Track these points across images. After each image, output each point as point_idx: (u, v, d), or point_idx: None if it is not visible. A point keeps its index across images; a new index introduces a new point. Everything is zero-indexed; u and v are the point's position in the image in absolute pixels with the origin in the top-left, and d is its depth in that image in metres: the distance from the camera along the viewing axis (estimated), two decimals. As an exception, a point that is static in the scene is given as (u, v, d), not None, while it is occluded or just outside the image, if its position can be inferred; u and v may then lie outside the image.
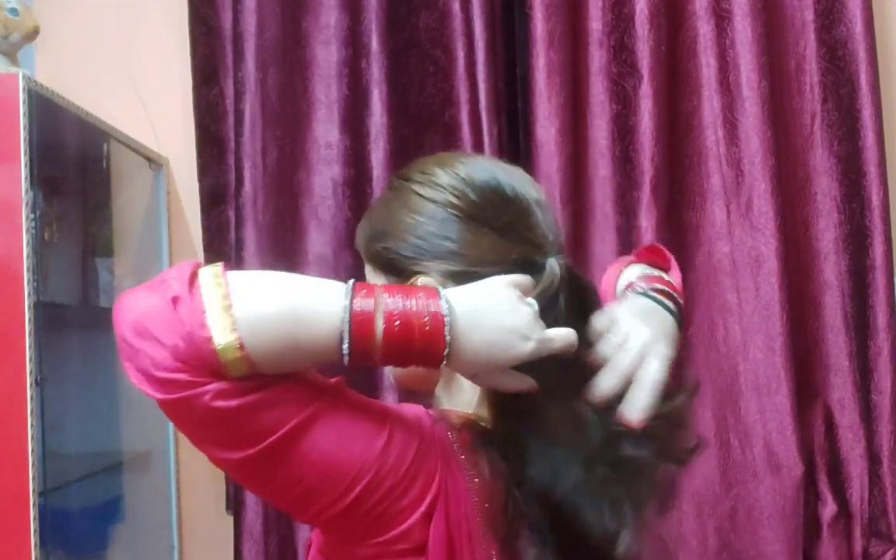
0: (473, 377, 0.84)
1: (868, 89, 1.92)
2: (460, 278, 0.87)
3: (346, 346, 0.76)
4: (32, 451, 1.51)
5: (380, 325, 0.76)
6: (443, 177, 0.93)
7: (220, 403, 0.74)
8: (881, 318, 1.92)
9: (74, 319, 2.00)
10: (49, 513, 1.54)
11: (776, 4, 1.98)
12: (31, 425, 1.52)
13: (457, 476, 0.83)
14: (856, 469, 1.94)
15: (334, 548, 0.85)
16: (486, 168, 0.95)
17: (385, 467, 0.79)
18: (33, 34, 1.75)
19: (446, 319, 0.78)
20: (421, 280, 0.88)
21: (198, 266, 0.78)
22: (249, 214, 2.00)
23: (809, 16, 1.96)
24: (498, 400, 0.87)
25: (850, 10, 1.93)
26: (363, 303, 0.77)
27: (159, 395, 0.75)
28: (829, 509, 1.93)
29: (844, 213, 1.96)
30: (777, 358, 1.90)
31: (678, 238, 1.98)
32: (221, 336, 0.73)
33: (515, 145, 2.06)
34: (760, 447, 1.92)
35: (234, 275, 0.77)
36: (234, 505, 1.99)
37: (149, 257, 2.15)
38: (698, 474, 1.95)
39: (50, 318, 1.64)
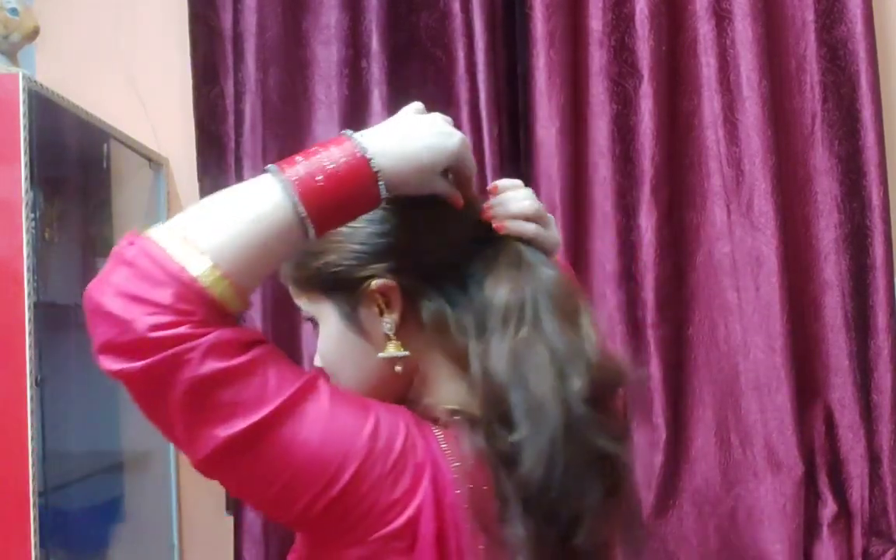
0: (414, 186, 0.83)
1: (868, 89, 1.92)
2: (411, 272, 0.86)
3: (302, 211, 0.75)
4: (32, 451, 1.51)
5: (319, 179, 0.76)
6: None
7: (212, 364, 0.71)
8: (881, 318, 1.92)
9: (74, 319, 2.00)
10: (49, 513, 1.54)
11: (776, 4, 1.98)
12: (31, 425, 1.51)
13: (442, 466, 0.81)
14: (856, 469, 1.94)
15: (321, 554, 0.82)
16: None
17: (374, 454, 0.77)
18: (33, 34, 1.75)
19: (359, 144, 0.78)
20: (374, 283, 0.85)
21: (136, 232, 0.76)
22: (249, 214, 1.99)
23: (810, 16, 1.96)
24: (485, 386, 0.83)
25: (851, 10, 1.93)
26: (292, 171, 0.77)
27: (139, 363, 0.71)
28: (829, 509, 1.93)
29: (845, 213, 1.96)
30: (777, 358, 1.90)
31: (678, 238, 1.98)
32: (195, 265, 0.72)
33: (515, 145, 2.06)
34: (761, 447, 1.92)
35: (174, 218, 0.76)
36: (234, 505, 1.99)
37: (149, 257, 2.14)
38: (699, 474, 1.95)
39: (50, 318, 1.64)
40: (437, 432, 0.83)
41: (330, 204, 0.77)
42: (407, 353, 0.87)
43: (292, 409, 0.75)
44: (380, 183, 0.79)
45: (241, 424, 0.73)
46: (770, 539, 1.90)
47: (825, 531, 1.92)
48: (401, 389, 0.91)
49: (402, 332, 0.87)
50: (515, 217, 0.91)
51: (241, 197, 0.77)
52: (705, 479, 1.95)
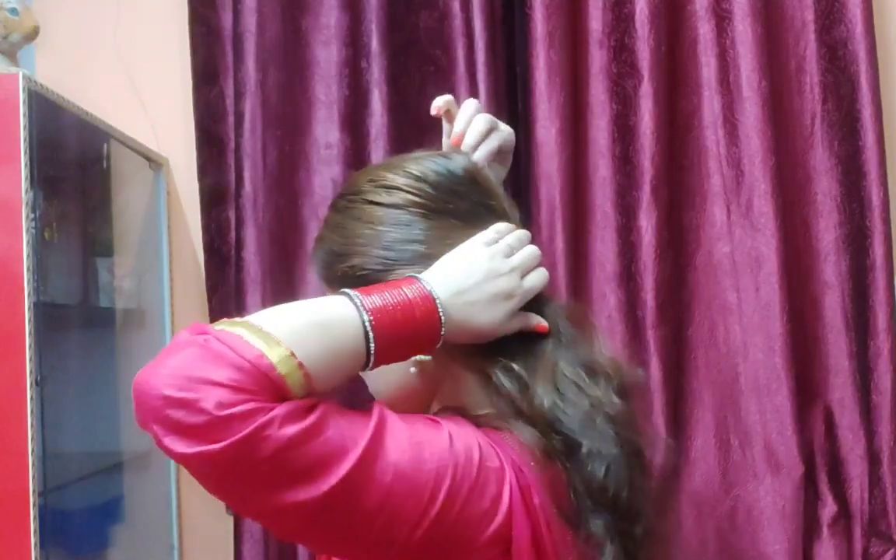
0: (478, 337, 0.87)
1: (868, 89, 1.92)
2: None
3: (371, 344, 0.77)
4: (32, 451, 1.51)
5: (391, 316, 0.78)
6: (396, 179, 0.91)
7: (291, 428, 0.70)
8: (881, 318, 1.91)
9: (74, 319, 2.00)
10: (49, 513, 1.54)
11: (776, 4, 1.98)
12: (31, 425, 1.51)
13: (523, 469, 0.82)
14: (856, 469, 1.93)
15: None
16: (435, 159, 0.93)
17: (459, 468, 0.77)
18: (33, 34, 1.75)
19: (432, 293, 0.82)
20: None
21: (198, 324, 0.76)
22: (249, 214, 2.00)
23: (809, 16, 1.96)
24: (530, 406, 0.86)
25: (851, 10, 1.93)
26: (368, 301, 0.78)
27: (220, 444, 0.68)
28: (829, 509, 1.92)
29: (845, 214, 1.96)
30: (777, 358, 1.90)
31: (678, 238, 1.98)
32: (272, 351, 0.71)
33: (515, 145, 2.05)
34: (760, 447, 1.92)
35: (245, 317, 0.76)
36: (234, 505, 1.99)
37: (149, 257, 2.15)
38: (698, 474, 1.95)
39: (50, 318, 1.64)
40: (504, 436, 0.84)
41: (394, 337, 0.79)
42: (429, 357, 0.88)
43: (376, 446, 0.75)
44: (442, 331, 0.82)
45: (334, 477, 0.72)
46: (770, 540, 1.90)
47: (825, 532, 1.92)
48: (424, 396, 0.92)
49: None
50: (478, 143, 1.02)
51: (314, 304, 0.79)
52: (705, 479, 1.95)
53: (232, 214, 2.05)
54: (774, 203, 1.90)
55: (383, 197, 0.90)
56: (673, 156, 1.97)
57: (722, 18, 1.94)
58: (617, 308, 1.95)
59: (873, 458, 1.93)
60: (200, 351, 0.70)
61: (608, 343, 0.95)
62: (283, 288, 1.98)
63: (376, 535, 0.75)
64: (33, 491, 1.50)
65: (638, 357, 1.94)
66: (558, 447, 0.83)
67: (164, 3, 2.17)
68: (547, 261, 1.90)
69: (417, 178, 0.90)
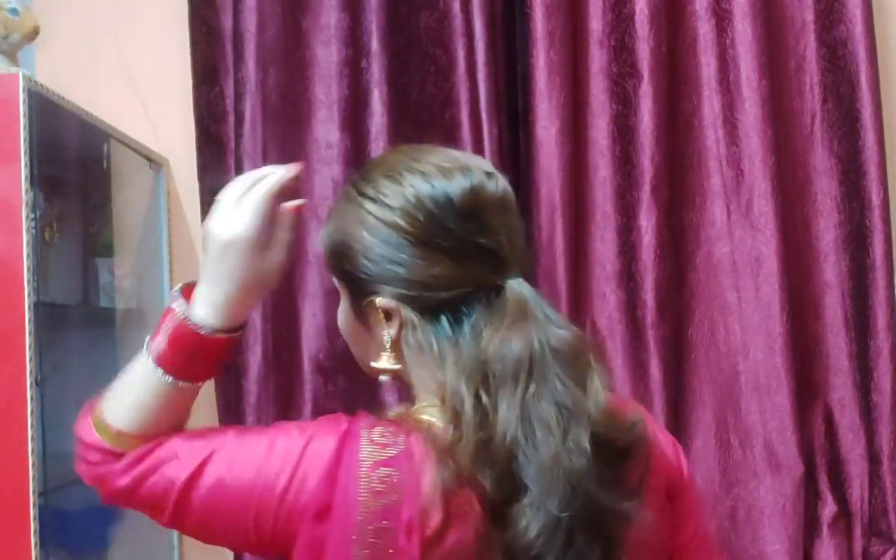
0: (244, 302, 0.98)
1: (868, 89, 1.92)
2: (413, 302, 0.90)
3: (168, 377, 0.95)
4: (32, 451, 1.51)
5: (163, 348, 0.95)
6: (392, 198, 0.91)
7: (121, 481, 0.94)
8: (881, 318, 1.91)
9: (74, 319, 2.00)
10: (49, 513, 1.54)
11: (776, 4, 1.98)
12: (31, 425, 1.51)
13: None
14: (856, 469, 1.93)
15: None
16: (439, 180, 0.91)
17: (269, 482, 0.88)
18: (33, 34, 1.75)
19: (174, 308, 0.96)
20: (378, 301, 0.91)
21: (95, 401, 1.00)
22: (249, 214, 1.99)
23: (809, 16, 1.96)
24: (492, 441, 0.84)
25: (850, 10, 1.93)
26: (153, 344, 0.97)
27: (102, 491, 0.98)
28: (829, 509, 1.92)
29: (844, 213, 1.96)
30: (777, 358, 1.90)
31: (678, 238, 1.98)
32: (100, 432, 0.97)
33: (515, 145, 2.06)
34: (760, 447, 1.92)
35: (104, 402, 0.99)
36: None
37: (149, 257, 2.15)
38: (698, 474, 1.95)
39: (50, 318, 1.64)
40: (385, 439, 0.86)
41: (181, 363, 0.95)
42: (398, 366, 0.93)
43: (194, 480, 0.91)
44: (201, 330, 0.94)
45: (166, 513, 0.93)
46: (770, 539, 1.90)
47: (825, 531, 1.92)
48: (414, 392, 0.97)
49: (400, 345, 0.93)
50: None
51: (129, 377, 0.98)
52: (705, 479, 1.95)
53: (232, 214, 2.04)
54: (774, 203, 1.90)
55: (378, 211, 0.92)
56: (673, 156, 1.97)
57: (722, 18, 1.94)
58: (617, 308, 1.95)
59: (873, 458, 1.93)
60: (78, 432, 1.02)
61: (609, 388, 0.89)
62: (283, 288, 1.98)
63: (230, 541, 0.98)
64: (33, 491, 1.50)
65: (638, 357, 1.94)
66: (497, 499, 0.82)
67: (164, 3, 2.16)
68: (547, 261, 1.93)
69: (412, 204, 0.90)
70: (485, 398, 0.84)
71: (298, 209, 1.01)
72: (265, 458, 0.87)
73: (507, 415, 0.83)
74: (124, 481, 0.94)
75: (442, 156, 0.94)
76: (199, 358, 0.95)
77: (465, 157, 0.96)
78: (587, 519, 0.82)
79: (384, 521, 0.83)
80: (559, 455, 0.82)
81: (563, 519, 0.80)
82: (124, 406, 0.96)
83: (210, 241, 0.97)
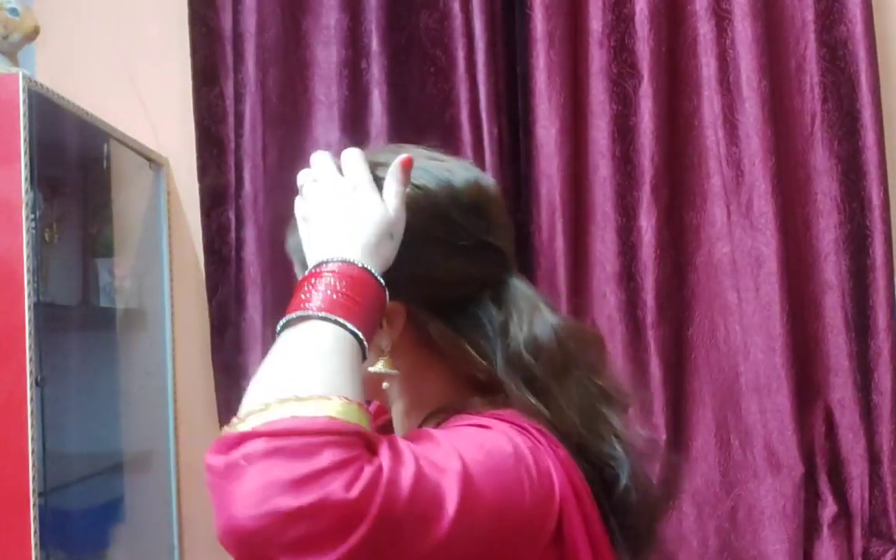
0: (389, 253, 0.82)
1: (868, 89, 1.92)
2: (427, 299, 0.88)
3: (360, 333, 0.74)
4: (32, 451, 1.51)
5: (335, 296, 0.75)
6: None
7: (404, 473, 0.66)
8: (881, 318, 1.91)
9: (74, 319, 2.01)
10: (49, 513, 1.54)
11: (776, 4, 1.98)
12: (31, 425, 1.51)
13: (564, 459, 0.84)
14: (856, 469, 1.93)
15: None
16: (445, 180, 0.90)
17: (525, 463, 0.79)
18: (33, 34, 1.75)
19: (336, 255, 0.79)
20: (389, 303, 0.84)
21: (227, 433, 0.70)
22: (249, 215, 2.00)
23: (809, 16, 1.96)
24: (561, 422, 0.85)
25: (851, 10, 1.93)
26: (310, 304, 0.75)
27: (362, 527, 0.62)
28: (829, 509, 1.92)
29: (845, 213, 1.96)
30: (777, 358, 1.90)
31: (678, 238, 1.98)
32: (329, 407, 0.65)
33: (515, 145, 2.06)
34: (761, 447, 1.92)
35: (248, 401, 0.69)
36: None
37: (149, 257, 2.15)
38: (699, 474, 1.95)
39: (50, 318, 1.64)
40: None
41: (355, 307, 0.75)
42: (396, 372, 0.88)
43: (465, 458, 0.72)
44: (372, 270, 0.78)
45: (451, 504, 0.68)
46: (770, 539, 1.90)
47: (825, 532, 1.92)
48: (407, 408, 0.93)
49: (398, 348, 0.88)
50: None
51: (303, 345, 0.73)
52: (705, 479, 1.95)
53: (232, 215, 2.05)
54: (774, 203, 1.90)
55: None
56: (673, 156, 1.97)
57: (722, 18, 1.94)
58: (617, 308, 1.95)
59: (873, 458, 1.93)
60: (269, 459, 0.62)
61: (613, 365, 0.95)
62: (283, 288, 1.98)
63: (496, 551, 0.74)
64: (33, 491, 1.50)
65: (638, 357, 1.94)
66: (593, 462, 0.85)
67: (164, 3, 2.17)
68: (547, 261, 1.93)
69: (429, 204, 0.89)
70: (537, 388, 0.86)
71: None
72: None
73: (567, 398, 0.86)
74: (407, 473, 0.66)
75: (432, 154, 0.94)
76: (369, 302, 0.77)
77: (448, 157, 0.95)
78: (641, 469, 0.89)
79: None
80: (621, 432, 0.87)
81: (635, 469, 0.87)
82: (337, 375, 0.70)
83: (379, 220, 0.82)
